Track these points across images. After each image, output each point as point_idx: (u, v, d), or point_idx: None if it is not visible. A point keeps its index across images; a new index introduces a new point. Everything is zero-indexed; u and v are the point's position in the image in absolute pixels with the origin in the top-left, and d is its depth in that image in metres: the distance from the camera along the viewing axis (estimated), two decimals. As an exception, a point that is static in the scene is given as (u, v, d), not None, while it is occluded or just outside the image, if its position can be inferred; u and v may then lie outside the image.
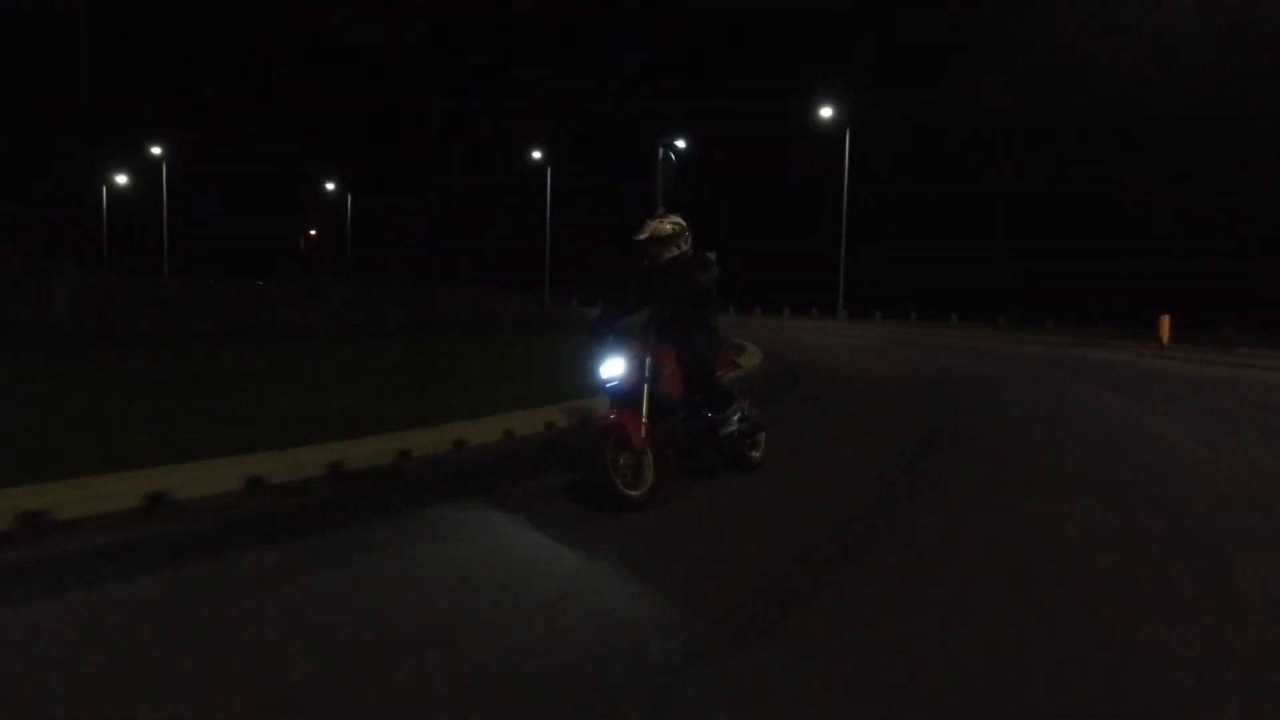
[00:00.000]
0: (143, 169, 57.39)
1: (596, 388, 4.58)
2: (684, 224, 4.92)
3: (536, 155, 51.82)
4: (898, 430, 7.01)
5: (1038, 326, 33.77)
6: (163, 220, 54.00)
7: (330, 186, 66.29)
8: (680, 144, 12.75)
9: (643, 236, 4.79)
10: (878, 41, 76.11)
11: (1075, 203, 54.67)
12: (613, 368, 4.42)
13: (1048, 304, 37.98)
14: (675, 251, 4.83)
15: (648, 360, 4.43)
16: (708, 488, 4.67)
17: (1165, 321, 20.17)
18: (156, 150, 53.58)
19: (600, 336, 4.66)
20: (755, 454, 5.16)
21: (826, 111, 39.74)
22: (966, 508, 4.34)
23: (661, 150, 12.39)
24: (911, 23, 76.15)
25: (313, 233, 78.14)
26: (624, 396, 4.41)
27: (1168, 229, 44.50)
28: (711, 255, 5.02)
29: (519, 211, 66.33)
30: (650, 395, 4.38)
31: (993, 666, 2.41)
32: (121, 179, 60.45)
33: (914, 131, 58.43)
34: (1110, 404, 9.30)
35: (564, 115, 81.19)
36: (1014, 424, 7.46)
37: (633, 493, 4.09)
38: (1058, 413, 8.38)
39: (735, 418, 4.93)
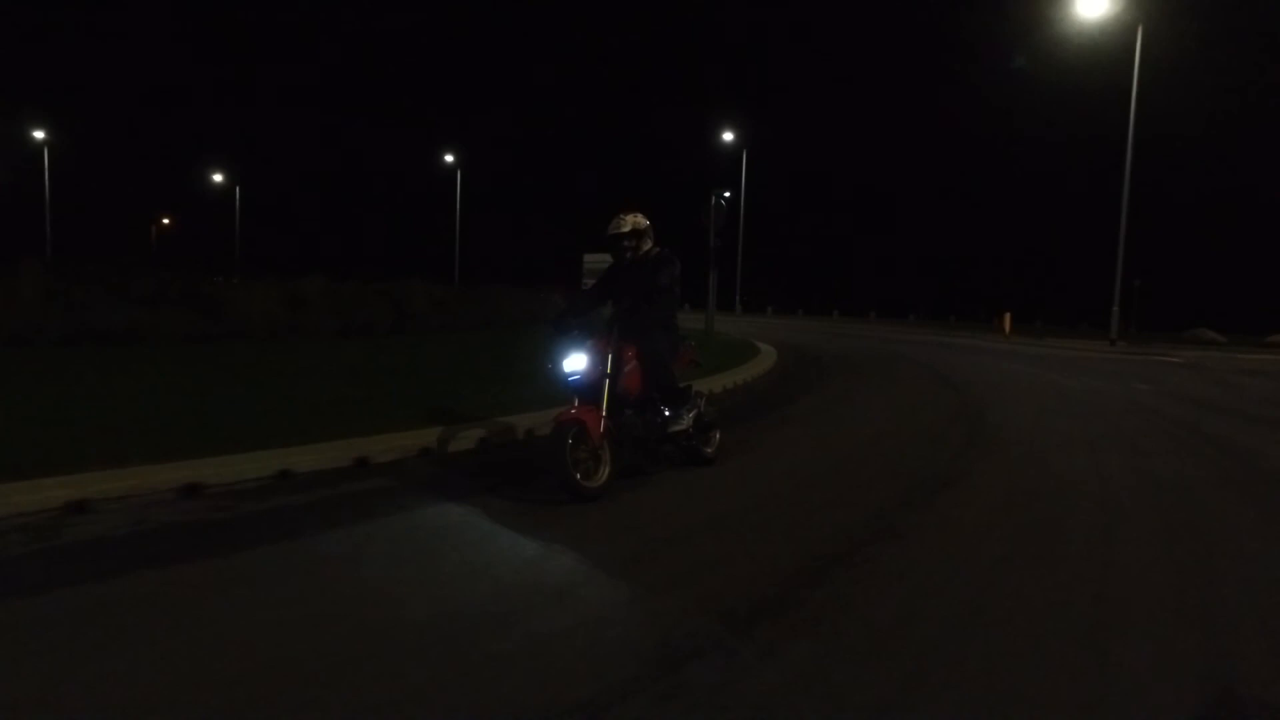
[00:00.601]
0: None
1: (557, 381, 4.69)
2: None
3: (449, 158, 54.89)
4: (924, 376, 12.94)
5: (901, 320, 42.25)
6: (45, 206, 52.05)
7: (218, 178, 65.18)
8: (726, 194, 18.05)
9: (625, 230, 4.94)
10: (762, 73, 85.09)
11: (927, 214, 65.67)
12: (575, 362, 4.55)
13: (907, 300, 47.08)
14: (648, 245, 5.03)
15: (609, 356, 4.58)
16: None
17: (1008, 317, 28.13)
18: (39, 134, 51.62)
19: (564, 331, 4.75)
20: (709, 450, 5.40)
21: (728, 135, 46.17)
22: (1003, 398, 10.21)
23: (713, 198, 17.55)
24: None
25: (165, 220, 75.37)
26: (585, 390, 4.55)
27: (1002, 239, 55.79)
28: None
29: (410, 201, 68.61)
30: (610, 390, 4.54)
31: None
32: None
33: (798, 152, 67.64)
34: (1008, 366, 15.80)
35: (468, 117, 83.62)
36: (975, 375, 13.61)
37: (589, 484, 4.31)
38: (983, 368, 14.70)
39: (690, 415, 5.16)
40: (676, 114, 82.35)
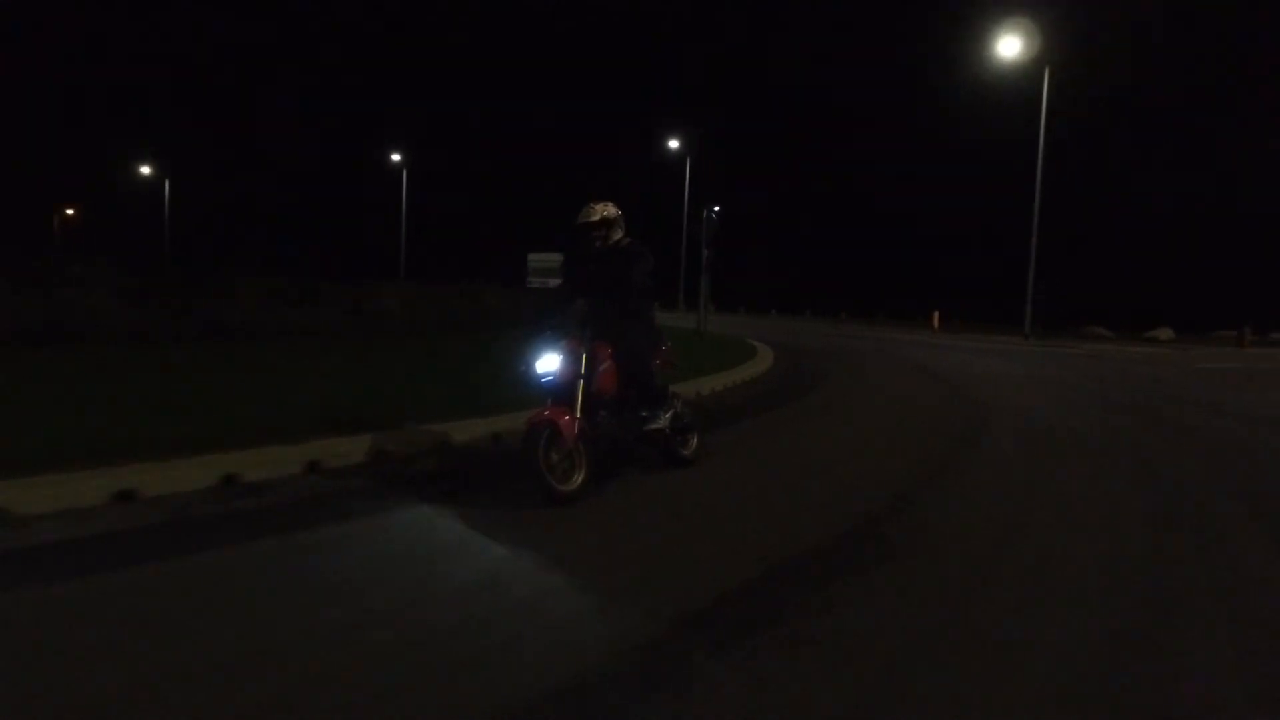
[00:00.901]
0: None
1: (531, 382, 4.61)
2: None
3: (395, 157, 55.74)
4: (897, 365, 15.89)
5: (834, 317, 46.03)
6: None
7: (146, 170, 63.54)
8: (716, 208, 20.52)
9: (595, 219, 4.88)
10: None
11: (855, 218, 70.60)
12: (548, 362, 4.50)
13: (838, 299, 51.21)
14: (619, 235, 4.97)
15: (584, 356, 4.54)
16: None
17: (936, 316, 31.98)
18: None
19: (538, 331, 4.69)
20: (686, 452, 5.36)
21: (673, 143, 48.91)
22: (969, 380, 13.19)
23: (705, 212, 20.02)
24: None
25: (70, 211, 72.45)
26: (559, 391, 4.49)
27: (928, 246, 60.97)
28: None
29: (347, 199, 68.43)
30: (585, 391, 4.49)
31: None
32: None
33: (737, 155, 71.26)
34: (956, 357, 19.05)
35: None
36: (939, 365, 16.68)
37: (564, 487, 4.25)
38: (939, 359, 17.86)
39: (667, 416, 5.10)
40: (630, 118, 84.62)
